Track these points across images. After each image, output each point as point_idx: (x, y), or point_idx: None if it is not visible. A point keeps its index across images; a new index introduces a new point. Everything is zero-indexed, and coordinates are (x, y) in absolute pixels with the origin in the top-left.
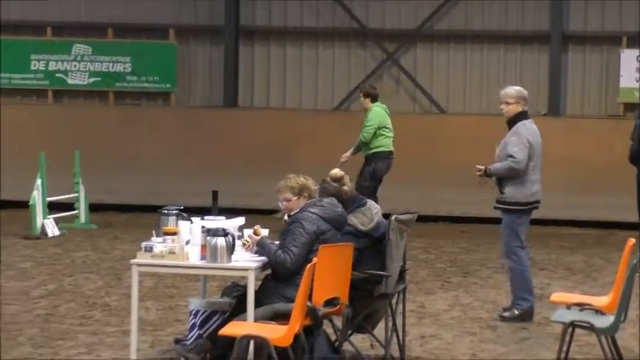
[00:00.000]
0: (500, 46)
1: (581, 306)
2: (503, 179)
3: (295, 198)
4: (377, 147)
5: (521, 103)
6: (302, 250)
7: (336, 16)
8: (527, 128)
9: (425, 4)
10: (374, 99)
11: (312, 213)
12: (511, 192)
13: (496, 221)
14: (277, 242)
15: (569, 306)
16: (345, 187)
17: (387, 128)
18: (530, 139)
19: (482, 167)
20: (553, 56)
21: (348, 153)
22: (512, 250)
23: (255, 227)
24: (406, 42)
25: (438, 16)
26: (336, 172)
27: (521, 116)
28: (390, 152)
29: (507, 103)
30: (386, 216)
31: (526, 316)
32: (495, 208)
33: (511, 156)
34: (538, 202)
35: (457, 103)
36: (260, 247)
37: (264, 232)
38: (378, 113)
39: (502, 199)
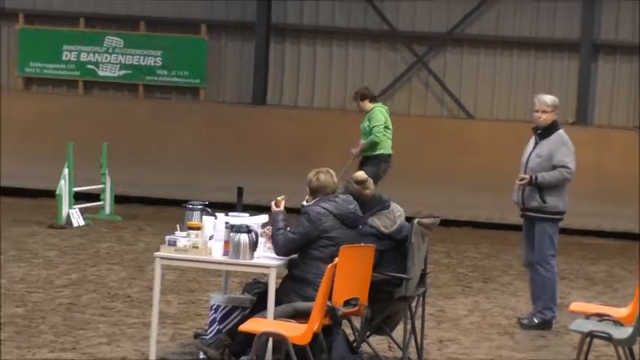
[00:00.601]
0: (530, 53)
1: (601, 316)
2: (545, 189)
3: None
4: (380, 149)
5: (555, 111)
6: (298, 238)
7: (367, 17)
8: (568, 138)
9: (456, 8)
10: (372, 99)
11: (323, 208)
12: (554, 201)
13: (520, 228)
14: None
15: (588, 316)
16: (367, 191)
17: (388, 129)
18: (574, 148)
19: (527, 176)
20: (583, 65)
21: (358, 149)
22: (546, 258)
23: (279, 197)
24: (436, 45)
25: (470, 20)
26: (359, 174)
27: (557, 125)
28: (390, 155)
29: (544, 112)
30: (409, 219)
31: (545, 325)
32: (526, 217)
33: (564, 166)
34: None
35: (485, 108)
36: (272, 219)
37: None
38: (381, 112)
39: (544, 208)
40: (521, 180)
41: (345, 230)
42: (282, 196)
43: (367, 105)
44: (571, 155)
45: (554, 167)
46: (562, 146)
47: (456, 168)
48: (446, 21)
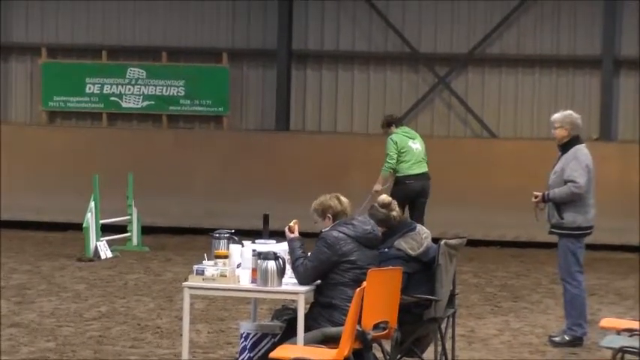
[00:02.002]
0: (552, 70)
1: (632, 332)
2: (562, 204)
3: (320, 219)
4: (397, 173)
5: (566, 127)
6: (318, 266)
7: (387, 40)
8: (584, 153)
9: (477, 29)
10: (396, 123)
11: (340, 232)
12: (572, 217)
13: (547, 246)
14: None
15: (619, 331)
16: (394, 213)
17: (403, 152)
18: (589, 163)
19: (540, 194)
20: (605, 80)
21: (378, 185)
22: (572, 274)
23: (291, 223)
24: (458, 66)
25: (490, 40)
26: (384, 197)
27: (576, 141)
28: (408, 176)
29: (555, 128)
30: (435, 240)
31: (576, 342)
32: (551, 233)
33: (572, 181)
34: (593, 227)
35: (508, 127)
36: (289, 247)
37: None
38: (395, 138)
39: (561, 224)
40: (535, 198)
41: (365, 252)
42: (295, 221)
43: (393, 130)
44: (580, 170)
45: (565, 182)
46: (572, 160)
47: (481, 187)
48: (467, 41)
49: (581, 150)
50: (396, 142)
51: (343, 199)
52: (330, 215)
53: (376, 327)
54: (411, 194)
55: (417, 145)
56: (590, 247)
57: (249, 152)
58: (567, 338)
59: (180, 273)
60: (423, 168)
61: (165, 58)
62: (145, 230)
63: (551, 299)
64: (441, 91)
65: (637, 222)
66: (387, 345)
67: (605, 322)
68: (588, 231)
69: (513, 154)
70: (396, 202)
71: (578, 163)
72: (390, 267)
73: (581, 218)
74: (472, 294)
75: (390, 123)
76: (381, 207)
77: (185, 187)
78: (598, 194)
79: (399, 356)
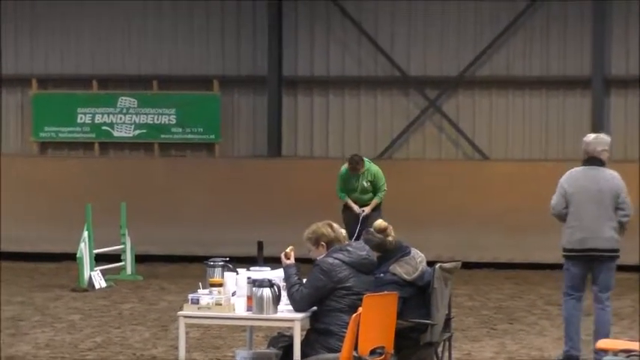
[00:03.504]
0: (542, 92)
1: (629, 352)
2: None
3: (314, 248)
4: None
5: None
6: (314, 292)
7: (377, 64)
8: (566, 176)
9: (466, 51)
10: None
11: (335, 259)
12: (562, 237)
13: (542, 267)
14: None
15: (616, 352)
16: (390, 238)
17: None
18: (566, 186)
19: None
20: (595, 100)
21: (369, 209)
22: (563, 294)
23: (287, 249)
24: (448, 89)
25: (480, 62)
26: (380, 222)
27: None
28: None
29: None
30: (430, 264)
31: None
32: None
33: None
34: (588, 250)
35: (500, 148)
36: (285, 274)
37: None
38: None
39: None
40: None
41: (361, 278)
42: (291, 247)
43: (364, 164)
44: (556, 191)
45: None
46: None
47: (474, 209)
48: (456, 64)
49: (566, 173)
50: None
51: (335, 226)
52: (323, 243)
53: (373, 353)
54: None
55: None
56: None
57: (242, 179)
58: (561, 359)
59: (174, 301)
60: None
61: (156, 87)
62: (139, 259)
63: (547, 320)
64: (432, 114)
65: (633, 241)
66: None
67: (602, 343)
68: (573, 253)
69: (505, 175)
70: (391, 228)
71: (558, 185)
72: (386, 292)
73: (564, 240)
74: (467, 317)
75: (363, 159)
76: (377, 232)
77: (178, 215)
78: None
79: None
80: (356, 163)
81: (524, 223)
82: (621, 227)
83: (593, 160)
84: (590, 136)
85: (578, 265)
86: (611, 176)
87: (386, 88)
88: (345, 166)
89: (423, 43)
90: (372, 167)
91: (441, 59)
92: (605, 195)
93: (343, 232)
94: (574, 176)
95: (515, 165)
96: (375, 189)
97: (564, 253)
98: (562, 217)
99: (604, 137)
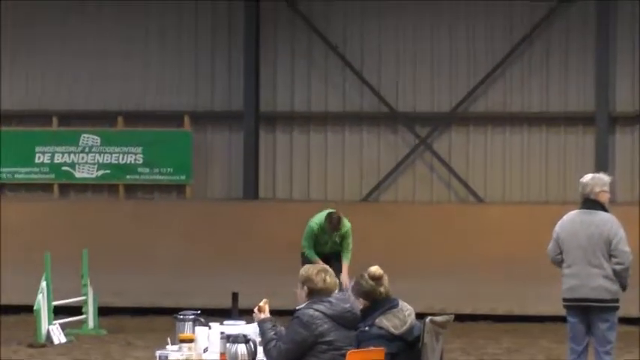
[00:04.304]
0: (542, 128)
1: None
2: None
3: (300, 287)
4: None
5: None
6: (292, 347)
7: (363, 98)
8: (561, 220)
9: (460, 85)
10: None
11: (316, 310)
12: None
13: (542, 319)
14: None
15: None
16: (382, 288)
17: None
18: (558, 230)
19: None
20: (599, 138)
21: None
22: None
23: (261, 303)
24: (440, 125)
25: (474, 96)
26: (375, 269)
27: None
28: None
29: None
30: (420, 316)
31: None
32: None
33: None
34: (578, 299)
35: (496, 190)
36: (260, 330)
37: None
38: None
39: None
40: None
41: (343, 332)
42: (265, 300)
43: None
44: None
45: None
46: None
47: (468, 257)
48: (449, 99)
49: (563, 217)
50: None
51: (330, 279)
52: (306, 288)
53: None
54: None
55: None
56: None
57: (215, 223)
58: None
59: (141, 358)
60: None
61: (122, 123)
62: (102, 311)
63: None
64: (422, 152)
65: (637, 291)
66: None
67: None
68: (567, 303)
69: (502, 220)
70: (386, 277)
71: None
72: (372, 347)
73: (563, 287)
74: None
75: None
76: (370, 278)
77: (145, 263)
78: None
79: None
80: (337, 222)
81: (523, 272)
82: (618, 277)
83: (589, 202)
84: (587, 177)
85: (574, 315)
86: (603, 221)
87: (373, 124)
88: (316, 221)
89: (413, 76)
90: (346, 223)
91: (432, 93)
92: (594, 241)
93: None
94: (567, 220)
95: (512, 208)
96: (342, 246)
97: (563, 303)
98: (558, 264)
99: (602, 177)
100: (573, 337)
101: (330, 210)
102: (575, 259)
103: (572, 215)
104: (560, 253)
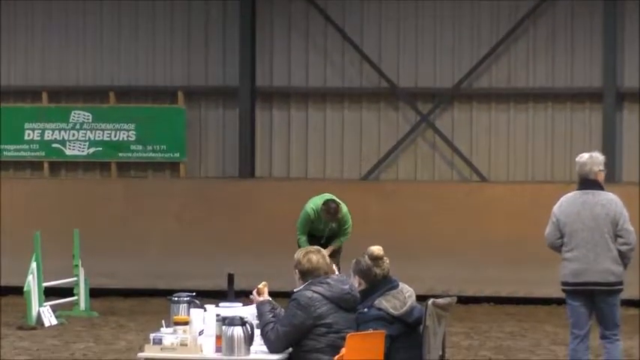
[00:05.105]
0: (547, 105)
1: None
2: None
3: (295, 274)
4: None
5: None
6: (290, 330)
7: (363, 74)
8: (559, 202)
9: (463, 60)
10: None
11: (315, 292)
12: (560, 270)
13: (547, 302)
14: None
15: None
16: (378, 269)
17: None
18: (557, 213)
19: None
20: (607, 116)
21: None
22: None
23: (260, 285)
24: (442, 102)
25: (478, 72)
26: (375, 249)
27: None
28: None
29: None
30: (422, 298)
31: None
32: None
33: None
34: (583, 284)
35: (500, 169)
36: (257, 312)
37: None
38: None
39: None
40: None
41: (342, 314)
42: (264, 283)
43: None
44: (549, 220)
45: None
46: None
47: (471, 238)
48: (452, 74)
49: (560, 199)
50: None
51: (316, 257)
52: (297, 271)
53: None
54: None
55: None
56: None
57: (210, 202)
58: None
59: (134, 341)
60: None
61: (114, 99)
62: (94, 293)
63: None
64: (424, 130)
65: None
66: None
67: None
68: (569, 287)
69: (506, 199)
70: (387, 260)
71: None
72: (371, 330)
73: (560, 272)
74: (464, 358)
75: None
76: (369, 258)
77: (138, 244)
78: None
79: None
80: (335, 212)
81: (528, 254)
82: (623, 257)
83: (588, 182)
84: (584, 156)
85: (577, 299)
86: (608, 201)
87: (372, 101)
88: (312, 206)
89: (415, 51)
90: (343, 209)
91: (434, 69)
92: (600, 222)
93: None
94: (567, 202)
95: (517, 188)
96: (340, 232)
97: (561, 287)
98: (557, 249)
99: (598, 156)
100: (576, 323)
101: (328, 197)
102: (579, 242)
103: (572, 197)
104: (561, 237)
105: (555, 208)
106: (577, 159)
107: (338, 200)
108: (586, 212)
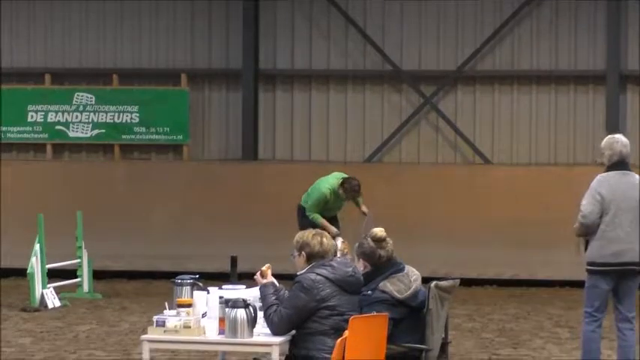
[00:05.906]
0: (551, 87)
1: None
2: (588, 237)
3: (297, 254)
4: None
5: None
6: (293, 313)
7: (366, 57)
8: (600, 180)
9: (467, 43)
10: None
11: (318, 274)
12: (589, 251)
13: (549, 284)
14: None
15: None
16: (382, 251)
17: None
18: (603, 191)
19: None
20: (610, 98)
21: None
22: (584, 314)
23: (263, 267)
24: (445, 84)
25: (481, 55)
26: (378, 231)
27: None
28: None
29: None
30: (424, 280)
31: None
32: None
33: (580, 211)
34: (623, 264)
35: (504, 152)
36: (260, 294)
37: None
38: None
39: (585, 259)
40: None
41: (346, 296)
42: (267, 265)
43: None
44: (588, 197)
45: None
46: (587, 189)
47: (474, 220)
48: (455, 57)
49: (601, 177)
50: None
51: (327, 241)
52: (304, 254)
53: None
54: None
55: None
56: None
57: (213, 185)
58: None
59: (137, 323)
60: None
61: (117, 82)
62: (97, 275)
63: (555, 345)
64: (428, 112)
65: None
66: None
67: None
68: (605, 268)
69: (510, 182)
70: (390, 242)
71: (589, 190)
72: (375, 313)
73: (596, 253)
74: (467, 340)
75: None
76: (372, 239)
77: (141, 226)
78: None
79: None
80: (359, 187)
81: (531, 236)
82: None
83: (623, 164)
84: (622, 138)
85: (608, 281)
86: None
87: (376, 83)
88: (328, 187)
89: (418, 34)
90: None
91: (438, 52)
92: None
93: (339, 244)
94: (610, 181)
95: (520, 170)
96: (357, 203)
97: (593, 268)
98: (593, 228)
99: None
100: (599, 306)
101: (343, 175)
102: (622, 222)
103: (614, 176)
104: (602, 216)
105: (597, 186)
106: (609, 139)
107: (358, 181)
108: (631, 193)
